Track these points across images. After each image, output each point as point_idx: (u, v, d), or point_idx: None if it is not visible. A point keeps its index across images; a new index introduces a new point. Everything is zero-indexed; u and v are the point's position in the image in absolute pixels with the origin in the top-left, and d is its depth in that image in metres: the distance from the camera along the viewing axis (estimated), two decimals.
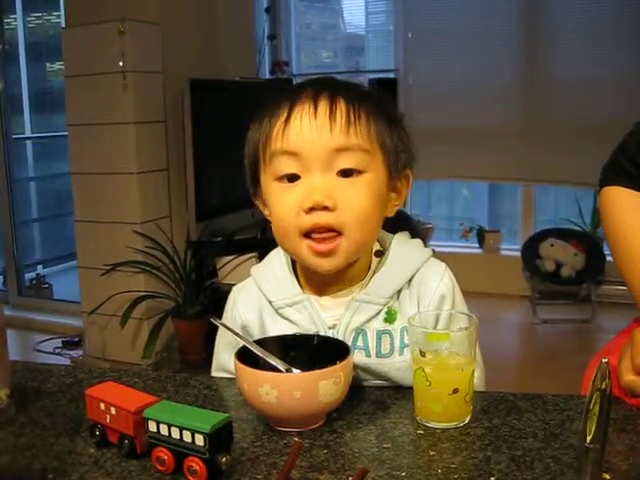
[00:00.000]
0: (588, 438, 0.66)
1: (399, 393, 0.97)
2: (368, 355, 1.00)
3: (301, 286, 1.04)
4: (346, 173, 0.95)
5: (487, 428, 0.87)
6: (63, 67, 3.68)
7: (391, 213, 1.04)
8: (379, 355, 1.00)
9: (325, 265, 0.98)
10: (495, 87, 4.65)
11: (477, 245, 4.97)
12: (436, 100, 4.71)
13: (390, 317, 1.01)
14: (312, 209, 0.94)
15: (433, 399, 0.87)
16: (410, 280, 1.02)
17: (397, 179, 1.02)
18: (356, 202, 0.95)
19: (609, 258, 4.28)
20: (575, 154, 4.41)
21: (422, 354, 0.88)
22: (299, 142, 0.95)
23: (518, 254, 4.61)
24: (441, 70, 4.79)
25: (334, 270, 0.99)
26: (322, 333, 1.00)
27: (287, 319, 1.03)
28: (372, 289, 1.01)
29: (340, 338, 0.98)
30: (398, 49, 5.02)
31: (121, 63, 3.39)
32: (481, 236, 4.94)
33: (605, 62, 4.30)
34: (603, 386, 0.65)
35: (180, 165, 3.66)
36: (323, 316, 1.02)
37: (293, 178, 0.96)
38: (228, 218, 3.74)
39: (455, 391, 0.86)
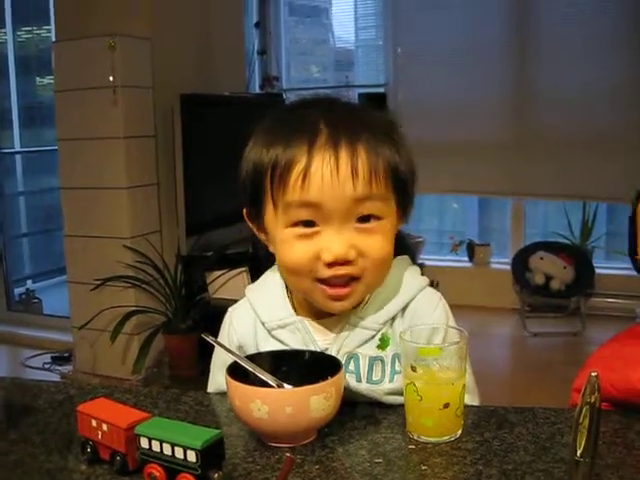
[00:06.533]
0: (578, 451, 0.66)
1: (390, 408, 0.97)
2: (359, 380, 1.00)
3: (295, 308, 1.04)
4: (364, 219, 0.94)
5: (478, 442, 0.87)
6: (53, 81, 3.68)
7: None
8: (370, 381, 1.00)
9: (338, 307, 0.98)
10: (484, 102, 4.67)
11: (467, 259, 4.98)
12: (425, 115, 4.72)
13: (383, 343, 1.01)
14: (332, 263, 0.93)
15: (424, 414, 0.87)
16: (405, 308, 1.02)
17: (405, 211, 1.02)
18: (375, 251, 0.95)
19: (598, 271, 4.31)
20: (564, 168, 4.42)
21: (413, 369, 0.88)
22: (320, 194, 0.91)
23: (508, 267, 4.62)
24: (430, 85, 4.81)
25: (345, 311, 0.99)
26: None
27: (279, 341, 1.02)
28: (366, 314, 1.01)
29: None
30: (388, 64, 5.05)
31: (111, 78, 3.39)
32: (471, 250, 4.95)
33: (595, 77, 4.32)
34: (592, 400, 0.65)
35: (170, 180, 3.66)
36: (316, 339, 1.01)
37: (309, 223, 0.94)
38: (218, 233, 3.74)
39: (446, 406, 0.87)
